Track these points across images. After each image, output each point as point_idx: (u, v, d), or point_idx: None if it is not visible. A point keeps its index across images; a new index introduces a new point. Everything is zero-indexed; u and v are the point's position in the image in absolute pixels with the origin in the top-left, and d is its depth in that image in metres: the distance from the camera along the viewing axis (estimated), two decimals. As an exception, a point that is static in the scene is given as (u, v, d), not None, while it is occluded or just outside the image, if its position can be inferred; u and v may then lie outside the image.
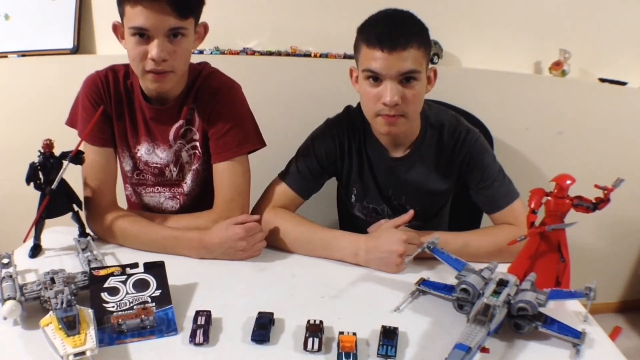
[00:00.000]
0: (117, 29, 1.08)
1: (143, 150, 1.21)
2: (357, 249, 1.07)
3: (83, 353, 0.70)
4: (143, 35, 1.00)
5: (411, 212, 1.11)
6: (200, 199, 1.28)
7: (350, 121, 1.23)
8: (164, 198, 1.27)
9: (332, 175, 1.30)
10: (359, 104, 1.19)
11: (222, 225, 1.09)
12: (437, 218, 1.35)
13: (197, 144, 1.20)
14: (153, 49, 1.00)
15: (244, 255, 1.08)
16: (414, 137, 1.19)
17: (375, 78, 1.05)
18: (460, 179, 1.22)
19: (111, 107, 1.16)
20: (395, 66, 1.02)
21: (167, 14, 0.98)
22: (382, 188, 1.26)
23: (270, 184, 1.25)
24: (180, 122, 1.18)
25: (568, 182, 0.89)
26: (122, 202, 1.32)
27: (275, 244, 1.14)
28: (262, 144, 1.21)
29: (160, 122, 1.18)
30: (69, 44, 1.82)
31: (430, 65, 1.12)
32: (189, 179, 1.25)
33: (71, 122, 1.19)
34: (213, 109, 1.16)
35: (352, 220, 1.37)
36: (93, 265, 0.95)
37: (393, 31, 1.02)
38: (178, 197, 1.27)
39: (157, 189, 1.26)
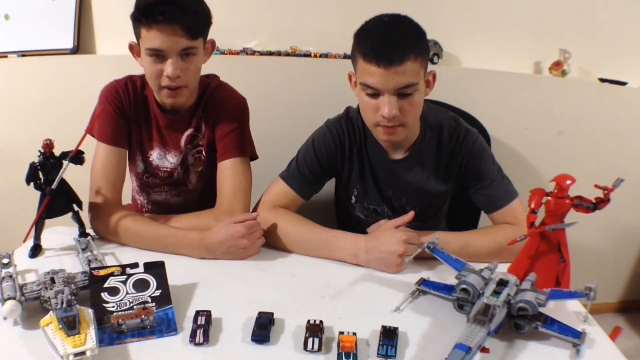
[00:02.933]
0: (133, 49, 1.17)
1: (155, 155, 1.28)
2: (357, 249, 1.07)
3: (83, 353, 0.70)
4: (158, 55, 1.09)
5: (412, 213, 1.11)
6: (204, 195, 1.34)
7: (351, 122, 1.23)
8: (171, 195, 1.35)
9: (333, 175, 1.30)
10: (359, 105, 1.19)
11: (222, 224, 1.09)
12: (436, 218, 1.35)
13: (202, 149, 1.28)
14: (168, 67, 1.10)
15: (246, 253, 1.09)
16: (413, 139, 1.19)
17: (373, 91, 1.05)
18: (459, 179, 1.22)
19: (130, 113, 1.24)
20: (392, 81, 1.01)
21: (180, 36, 1.07)
22: (383, 189, 1.26)
23: (271, 184, 1.25)
24: (191, 130, 1.26)
25: (568, 182, 0.89)
26: (127, 196, 1.35)
27: (275, 243, 1.15)
28: (255, 155, 1.30)
29: (173, 130, 1.26)
30: (69, 44, 1.82)
31: (429, 69, 1.11)
32: (193, 179, 1.32)
33: (91, 130, 1.22)
34: (218, 116, 1.24)
35: (351, 220, 1.37)
36: (93, 265, 0.95)
37: (389, 45, 1.00)
38: (183, 194, 1.35)
39: (164, 188, 1.34)
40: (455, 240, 1.09)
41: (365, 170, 1.25)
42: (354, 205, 1.32)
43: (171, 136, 1.26)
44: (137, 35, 1.11)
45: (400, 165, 1.21)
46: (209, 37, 1.19)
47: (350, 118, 1.24)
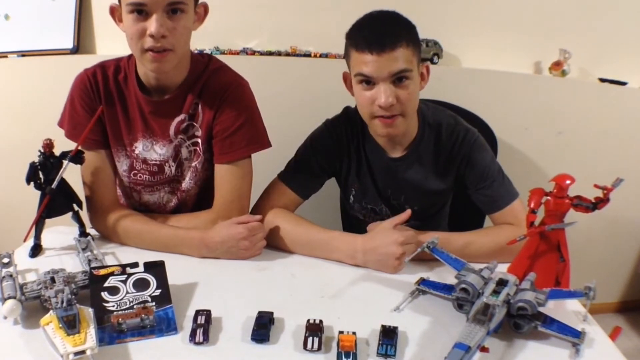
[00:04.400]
0: (114, 11, 1.05)
1: (140, 148, 1.17)
2: (354, 251, 1.06)
3: (83, 352, 0.70)
4: (141, 11, 0.97)
5: (408, 212, 1.10)
6: (199, 198, 1.26)
7: (349, 121, 1.24)
8: (164, 193, 1.25)
9: (332, 175, 1.30)
10: (355, 107, 1.19)
11: (224, 224, 1.08)
12: (437, 218, 1.35)
13: (199, 140, 1.17)
14: (152, 24, 0.97)
15: (246, 254, 1.08)
16: (412, 137, 1.19)
17: (368, 81, 1.05)
18: (459, 178, 1.22)
19: (102, 106, 1.12)
20: (386, 67, 1.02)
21: None
22: (381, 188, 1.26)
23: (269, 184, 1.25)
24: (182, 116, 1.14)
25: (568, 182, 0.89)
26: None
27: (274, 244, 1.14)
28: (268, 144, 1.20)
29: (160, 116, 1.14)
30: (69, 44, 1.82)
31: (423, 62, 1.12)
32: (187, 176, 1.22)
33: (61, 122, 1.17)
34: (220, 107, 1.13)
35: (351, 220, 1.37)
36: (93, 264, 0.95)
37: (380, 33, 1.02)
38: (176, 193, 1.24)
39: (157, 187, 1.24)
40: (456, 240, 1.08)
41: (363, 169, 1.25)
42: (352, 205, 1.32)
43: (158, 123, 1.14)
44: None
45: (399, 164, 1.21)
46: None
47: (348, 117, 1.24)
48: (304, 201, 1.25)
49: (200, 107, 1.15)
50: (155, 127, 1.15)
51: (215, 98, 1.13)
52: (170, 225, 1.14)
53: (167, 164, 1.19)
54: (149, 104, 1.13)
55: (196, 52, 1.74)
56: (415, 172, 1.21)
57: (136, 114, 1.15)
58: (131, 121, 1.16)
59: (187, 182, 1.23)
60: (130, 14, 0.98)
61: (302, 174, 1.23)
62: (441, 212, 1.35)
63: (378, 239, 1.05)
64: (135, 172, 1.21)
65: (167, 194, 1.25)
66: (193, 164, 1.21)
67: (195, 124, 1.16)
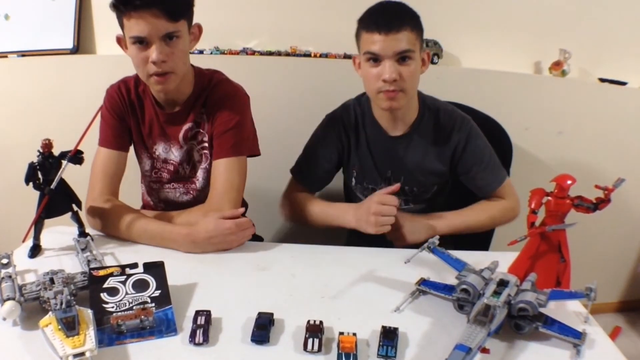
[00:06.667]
0: (121, 41, 1.17)
1: (160, 149, 1.31)
2: (346, 213, 1.23)
3: (82, 354, 0.69)
4: (142, 42, 1.09)
5: (397, 185, 1.21)
6: None
7: (347, 111, 1.33)
8: (179, 192, 1.36)
9: (340, 166, 1.38)
10: (356, 97, 1.33)
11: (210, 219, 1.11)
12: (437, 202, 1.39)
13: (206, 145, 1.28)
14: (152, 53, 1.09)
15: (232, 245, 1.12)
16: (412, 117, 1.28)
17: (375, 59, 1.16)
18: (454, 161, 1.29)
19: (129, 115, 1.27)
20: (391, 46, 1.13)
21: (160, 20, 1.07)
22: (381, 168, 1.33)
23: (288, 183, 1.37)
24: (189, 124, 1.27)
25: (568, 182, 0.89)
26: (136, 202, 1.38)
27: (300, 220, 1.31)
28: (257, 152, 1.31)
29: (171, 124, 1.28)
30: (69, 44, 1.82)
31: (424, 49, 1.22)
32: (200, 176, 1.32)
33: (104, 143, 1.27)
34: (218, 112, 1.24)
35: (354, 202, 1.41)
36: (92, 265, 0.95)
37: (388, 16, 1.14)
38: (191, 192, 1.35)
39: (173, 185, 1.35)
40: (455, 218, 1.25)
41: (362, 149, 1.32)
42: (354, 187, 1.39)
43: (171, 130, 1.28)
44: (121, 26, 1.12)
45: (399, 142, 1.29)
46: (196, 21, 1.18)
47: (345, 108, 1.33)
48: (314, 194, 1.34)
49: (205, 115, 1.26)
50: (169, 133, 1.29)
51: (216, 107, 1.24)
52: (158, 221, 1.17)
53: (181, 166, 1.32)
54: (162, 115, 1.27)
55: (196, 52, 1.76)
56: (414, 150, 1.29)
57: (154, 121, 1.29)
58: (151, 127, 1.29)
59: (200, 182, 1.33)
60: (133, 45, 1.11)
61: (310, 170, 1.33)
62: (440, 195, 1.39)
63: (364, 203, 1.20)
64: (157, 170, 1.35)
65: (182, 193, 1.36)
66: (203, 166, 1.31)
67: (202, 130, 1.28)
